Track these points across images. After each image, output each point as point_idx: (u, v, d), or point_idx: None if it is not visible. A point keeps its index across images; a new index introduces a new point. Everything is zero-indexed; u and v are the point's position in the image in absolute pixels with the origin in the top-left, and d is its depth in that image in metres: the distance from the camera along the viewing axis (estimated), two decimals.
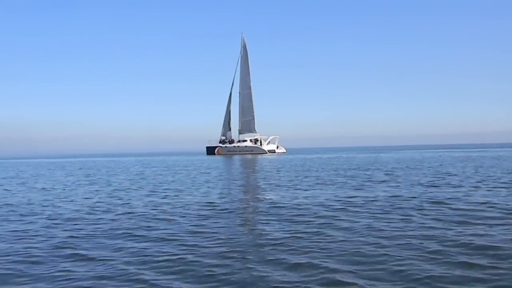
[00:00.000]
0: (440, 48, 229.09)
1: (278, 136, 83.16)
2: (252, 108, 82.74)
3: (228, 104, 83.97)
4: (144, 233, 8.58)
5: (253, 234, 8.30)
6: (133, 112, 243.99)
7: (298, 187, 17.03)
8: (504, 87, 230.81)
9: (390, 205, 11.37)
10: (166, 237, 8.14)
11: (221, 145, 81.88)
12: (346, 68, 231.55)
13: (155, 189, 17.36)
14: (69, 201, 14.08)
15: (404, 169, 26.42)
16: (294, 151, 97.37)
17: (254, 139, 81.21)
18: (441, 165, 30.10)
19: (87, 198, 14.96)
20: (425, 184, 16.64)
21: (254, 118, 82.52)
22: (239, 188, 17.38)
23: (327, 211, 10.78)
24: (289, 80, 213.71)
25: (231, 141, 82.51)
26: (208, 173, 27.04)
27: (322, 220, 9.46)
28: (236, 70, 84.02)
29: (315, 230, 8.46)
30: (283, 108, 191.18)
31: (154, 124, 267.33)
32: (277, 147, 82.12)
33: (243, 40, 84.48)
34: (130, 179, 23.43)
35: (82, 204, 13.20)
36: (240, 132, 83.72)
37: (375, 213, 10.20)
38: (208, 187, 17.88)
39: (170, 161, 53.16)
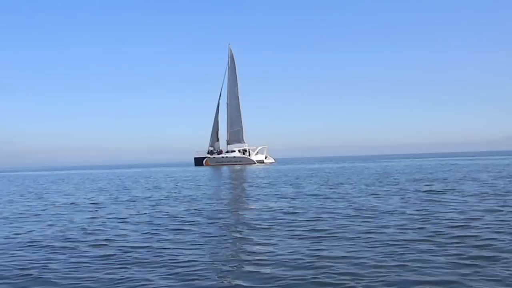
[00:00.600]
0: (432, 54, 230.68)
1: (266, 146, 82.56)
2: (240, 119, 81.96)
3: (216, 115, 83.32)
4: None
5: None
6: (121, 124, 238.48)
7: (356, 199, 15.88)
8: (487, 96, 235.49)
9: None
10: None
11: (209, 156, 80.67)
12: (335, 78, 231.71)
13: (191, 202, 15.94)
14: (116, 218, 12.56)
15: (436, 178, 25.61)
16: (283, 162, 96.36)
17: (243, 150, 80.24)
18: (468, 171, 29.56)
19: (134, 214, 13.45)
20: (491, 194, 15.82)
21: (242, 128, 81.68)
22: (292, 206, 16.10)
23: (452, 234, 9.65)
24: (276, 90, 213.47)
25: (219, 152, 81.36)
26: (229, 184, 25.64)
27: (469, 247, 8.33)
28: (223, 81, 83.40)
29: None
30: (271, 118, 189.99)
31: (141, 135, 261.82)
32: (266, 157, 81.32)
33: (230, 51, 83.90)
34: (148, 191, 21.86)
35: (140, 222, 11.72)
36: (229, 143, 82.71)
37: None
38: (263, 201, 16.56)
39: (167, 173, 51.28)
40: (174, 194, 20.54)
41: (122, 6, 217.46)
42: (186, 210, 14.52)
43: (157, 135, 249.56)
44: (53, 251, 8.61)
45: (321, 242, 8.60)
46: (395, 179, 26.26)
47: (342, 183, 24.35)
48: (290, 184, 24.78)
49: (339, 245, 8.22)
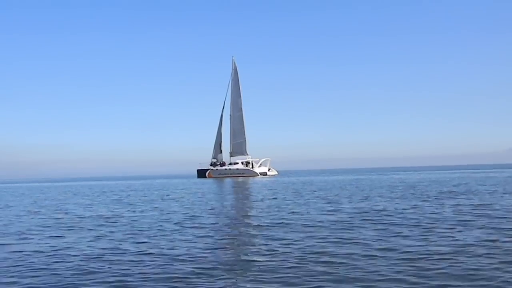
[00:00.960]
0: (432, 66, 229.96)
1: (269, 158, 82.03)
2: (244, 130, 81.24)
3: (219, 127, 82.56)
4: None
5: None
6: (122, 135, 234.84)
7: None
8: (489, 109, 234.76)
9: None
10: None
11: (212, 167, 79.77)
12: (337, 90, 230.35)
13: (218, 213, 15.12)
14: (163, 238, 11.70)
15: (467, 191, 24.85)
16: (285, 174, 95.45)
17: (246, 162, 79.54)
18: (491, 184, 28.95)
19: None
20: None
21: (245, 140, 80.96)
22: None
23: None
24: (279, 102, 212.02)
25: (222, 164, 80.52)
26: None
27: None
28: (227, 93, 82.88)
29: None
30: (273, 130, 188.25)
31: (144, 147, 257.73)
32: (269, 169, 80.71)
33: (234, 63, 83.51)
34: (171, 203, 20.99)
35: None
36: (232, 155, 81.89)
37: None
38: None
39: (175, 185, 50.36)
40: (202, 207, 19.66)
41: (125, 17, 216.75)
42: (226, 225, 13.71)
43: (158, 147, 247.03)
44: (122, 267, 7.77)
45: (413, 265, 7.65)
46: (423, 192, 25.48)
47: (369, 196, 23.60)
48: (316, 197, 23.96)
49: (440, 268, 7.39)
